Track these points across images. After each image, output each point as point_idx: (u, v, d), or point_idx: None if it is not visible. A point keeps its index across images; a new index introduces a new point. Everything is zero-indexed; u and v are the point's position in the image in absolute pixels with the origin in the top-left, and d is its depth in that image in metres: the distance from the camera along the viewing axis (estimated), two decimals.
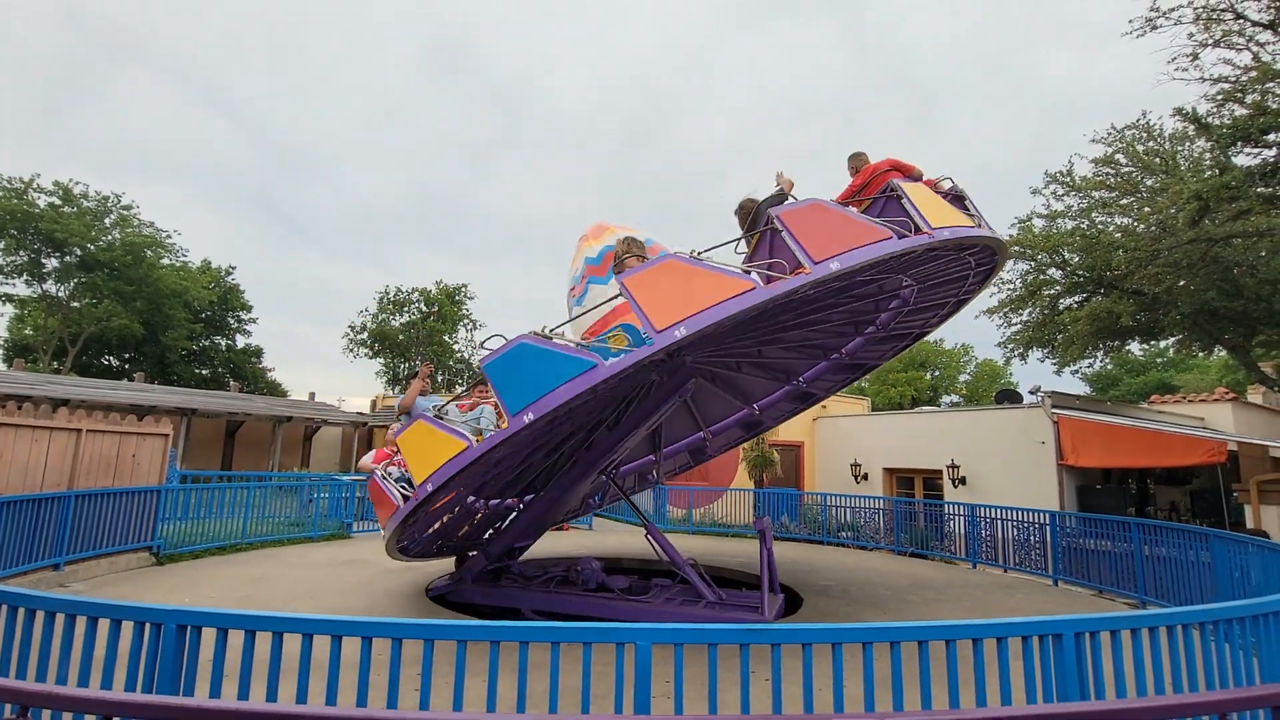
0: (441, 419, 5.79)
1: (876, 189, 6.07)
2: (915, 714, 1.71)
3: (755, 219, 6.06)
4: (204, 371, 35.72)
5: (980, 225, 5.98)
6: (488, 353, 5.41)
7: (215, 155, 63.41)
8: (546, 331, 5.32)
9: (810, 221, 5.20)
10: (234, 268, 36.96)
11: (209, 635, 2.75)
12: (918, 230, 5.36)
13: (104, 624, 2.83)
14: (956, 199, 6.23)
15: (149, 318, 30.56)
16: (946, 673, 2.70)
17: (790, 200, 5.93)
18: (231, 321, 36.85)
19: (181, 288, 31.26)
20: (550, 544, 12.12)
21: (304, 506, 13.19)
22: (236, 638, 2.71)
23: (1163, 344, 16.20)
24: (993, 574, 11.05)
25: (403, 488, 6.15)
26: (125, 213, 30.40)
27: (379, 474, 6.47)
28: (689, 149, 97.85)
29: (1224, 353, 16.50)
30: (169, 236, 32.23)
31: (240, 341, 37.44)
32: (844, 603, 8.37)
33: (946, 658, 2.70)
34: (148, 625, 2.74)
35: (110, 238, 29.63)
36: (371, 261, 69.64)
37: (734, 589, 8.38)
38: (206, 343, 35.93)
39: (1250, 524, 11.25)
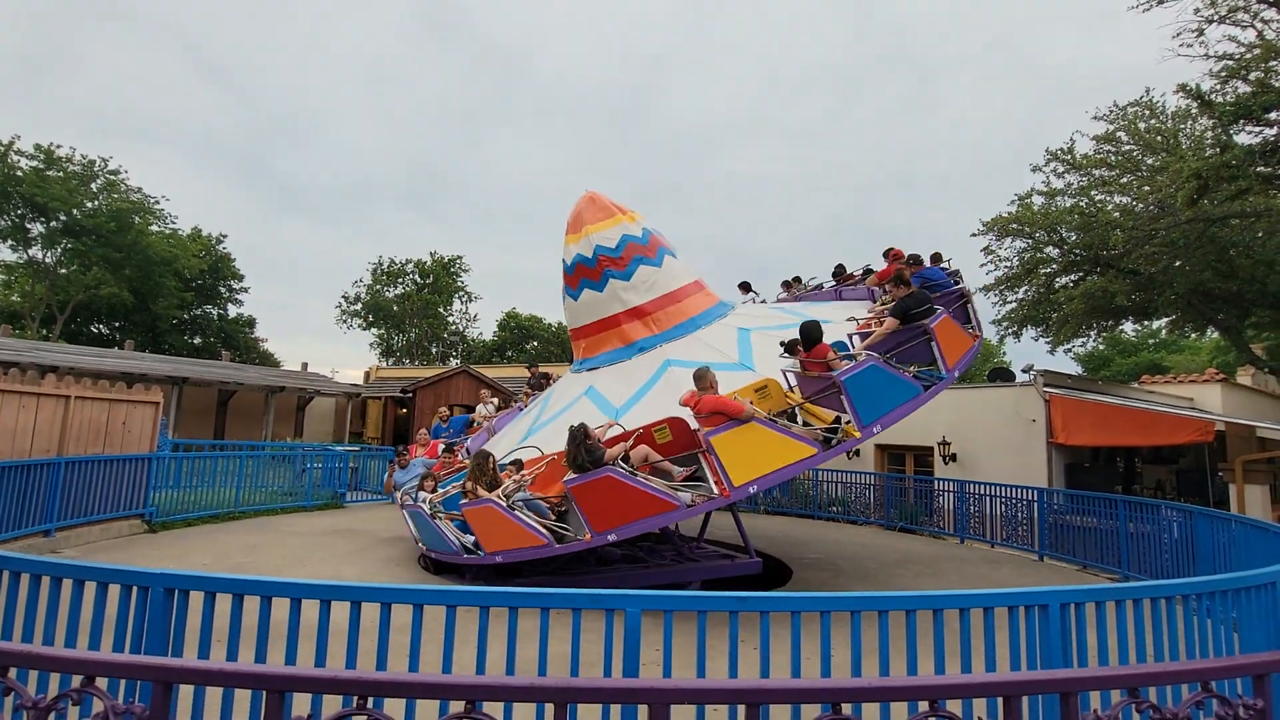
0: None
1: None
2: (900, 679, 1.71)
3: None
4: (196, 341, 35.47)
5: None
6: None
7: (201, 118, 62.22)
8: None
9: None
10: (225, 236, 36.48)
11: (196, 599, 2.74)
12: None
13: (90, 587, 2.81)
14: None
15: (138, 286, 30.19)
16: (933, 642, 2.72)
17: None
18: (223, 291, 36.48)
19: (171, 255, 30.83)
20: None
21: (297, 476, 13.21)
22: (224, 602, 2.70)
23: (1155, 324, 16.24)
24: (980, 549, 11.21)
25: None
26: (112, 177, 29.81)
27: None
28: (686, 121, 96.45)
29: (1216, 334, 16.57)
30: (157, 203, 31.71)
31: (232, 311, 37.13)
32: (832, 575, 8.48)
33: (934, 627, 2.72)
34: (135, 588, 2.73)
35: (96, 203, 29.09)
36: (364, 231, 68.85)
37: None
38: (198, 312, 35.60)
39: (1234, 504, 11.41)
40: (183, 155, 60.65)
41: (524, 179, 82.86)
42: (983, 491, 11.75)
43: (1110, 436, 12.48)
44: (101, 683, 1.75)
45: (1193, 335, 18.50)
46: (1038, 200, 12.51)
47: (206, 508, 10.85)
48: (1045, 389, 13.08)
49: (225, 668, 1.63)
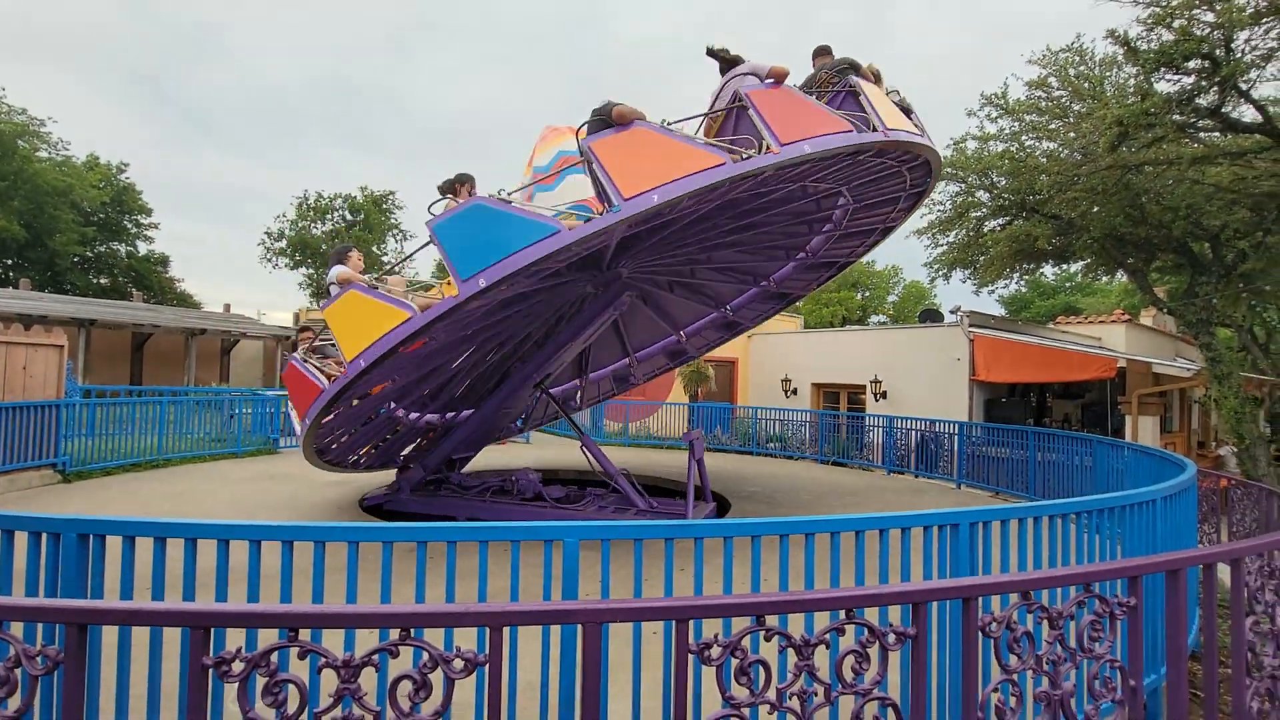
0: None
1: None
2: (819, 591, 1.83)
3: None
4: (102, 281, 32.83)
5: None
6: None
7: (91, 29, 55.53)
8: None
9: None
10: (126, 164, 33.32)
11: (114, 545, 2.62)
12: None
13: None
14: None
15: (30, 219, 27.48)
16: (854, 562, 2.91)
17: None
18: (129, 226, 33.63)
19: (66, 185, 28.07)
20: (487, 458, 12.19)
21: (226, 422, 12.69)
22: (145, 548, 2.59)
23: (1072, 268, 17.23)
24: (904, 480, 11.94)
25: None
26: None
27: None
28: (631, 49, 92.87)
29: (1124, 278, 17.69)
30: (44, 125, 28.57)
31: (142, 248, 34.40)
32: (769, 506, 8.89)
33: (855, 548, 2.91)
34: (44, 535, 2.58)
35: None
36: (284, 161, 64.20)
37: (668, 498, 8.73)
38: (103, 249, 32.82)
39: (1128, 432, 12.50)
40: (66, 72, 54.25)
41: (458, 108, 78.64)
42: (909, 426, 12.44)
43: (1026, 373, 13.35)
44: (16, 630, 1.67)
45: (1104, 278, 19.69)
46: (971, 145, 12.84)
47: (126, 456, 10.32)
48: (970, 329, 13.77)
49: (146, 607, 1.58)
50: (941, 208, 14.03)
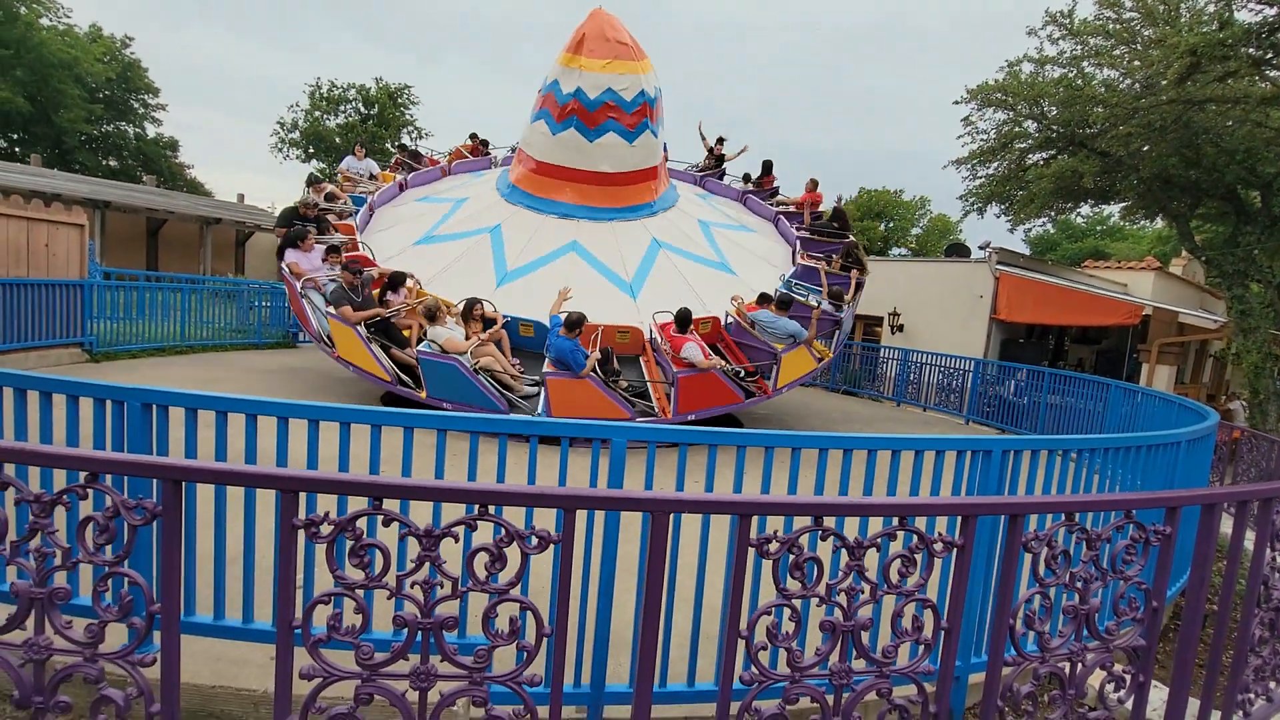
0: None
1: None
2: (876, 498, 1.89)
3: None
4: (111, 163, 32.20)
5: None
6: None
7: None
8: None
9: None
10: (131, 38, 31.88)
11: (177, 416, 2.70)
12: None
13: (59, 400, 2.74)
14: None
15: (34, 92, 26.63)
16: (889, 478, 2.99)
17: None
18: (137, 106, 32.61)
19: (70, 58, 27.00)
20: None
21: (244, 313, 12.80)
22: (208, 424, 2.68)
23: (1107, 210, 16.62)
24: (913, 412, 12.10)
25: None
26: None
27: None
28: None
29: (1162, 224, 17.11)
30: None
31: (150, 131, 33.50)
32: (780, 428, 9.06)
33: (889, 467, 2.98)
34: (109, 402, 2.67)
35: None
36: (292, 46, 61.35)
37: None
38: (110, 128, 31.98)
39: (1144, 380, 12.50)
40: None
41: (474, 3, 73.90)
42: (923, 360, 12.45)
43: (1049, 315, 13.19)
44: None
45: (1143, 222, 19.05)
46: (1027, 68, 12.05)
47: (150, 340, 10.50)
48: (998, 266, 13.49)
49: (240, 468, 1.65)
50: (985, 137, 13.38)
